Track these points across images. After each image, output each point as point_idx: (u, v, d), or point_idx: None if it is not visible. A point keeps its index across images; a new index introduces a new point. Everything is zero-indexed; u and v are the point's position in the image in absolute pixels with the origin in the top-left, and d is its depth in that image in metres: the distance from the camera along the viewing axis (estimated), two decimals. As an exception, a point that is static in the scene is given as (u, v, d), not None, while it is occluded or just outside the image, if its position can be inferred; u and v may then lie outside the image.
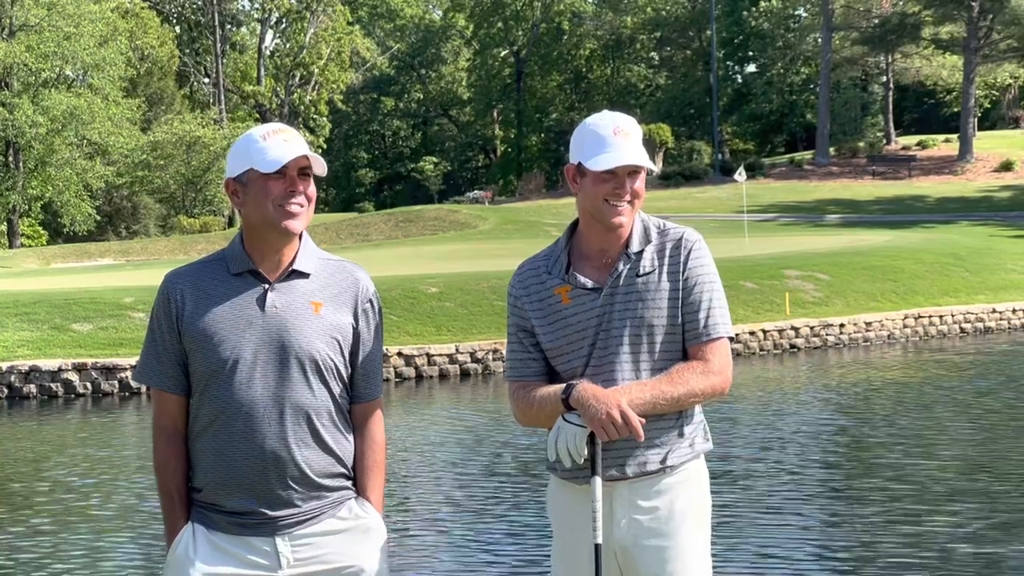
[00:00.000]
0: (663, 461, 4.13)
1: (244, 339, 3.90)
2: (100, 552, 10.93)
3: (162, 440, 4.02)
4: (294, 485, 3.92)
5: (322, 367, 3.95)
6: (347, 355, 4.02)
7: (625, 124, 4.19)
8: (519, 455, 15.13)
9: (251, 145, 3.93)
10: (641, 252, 4.19)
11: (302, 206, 3.93)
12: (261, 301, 3.94)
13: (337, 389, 4.01)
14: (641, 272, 4.16)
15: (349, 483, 4.06)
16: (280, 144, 3.91)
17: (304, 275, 3.99)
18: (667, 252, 4.19)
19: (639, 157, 4.11)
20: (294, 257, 3.99)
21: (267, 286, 3.95)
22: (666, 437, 4.14)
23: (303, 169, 3.93)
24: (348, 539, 4.01)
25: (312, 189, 3.97)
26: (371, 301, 4.09)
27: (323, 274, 4.03)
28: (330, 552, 3.97)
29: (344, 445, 4.04)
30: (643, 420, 3.97)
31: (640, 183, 4.17)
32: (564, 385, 4.09)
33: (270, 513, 3.91)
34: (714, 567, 4.31)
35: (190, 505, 4.00)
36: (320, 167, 3.96)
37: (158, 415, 4.04)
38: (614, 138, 4.14)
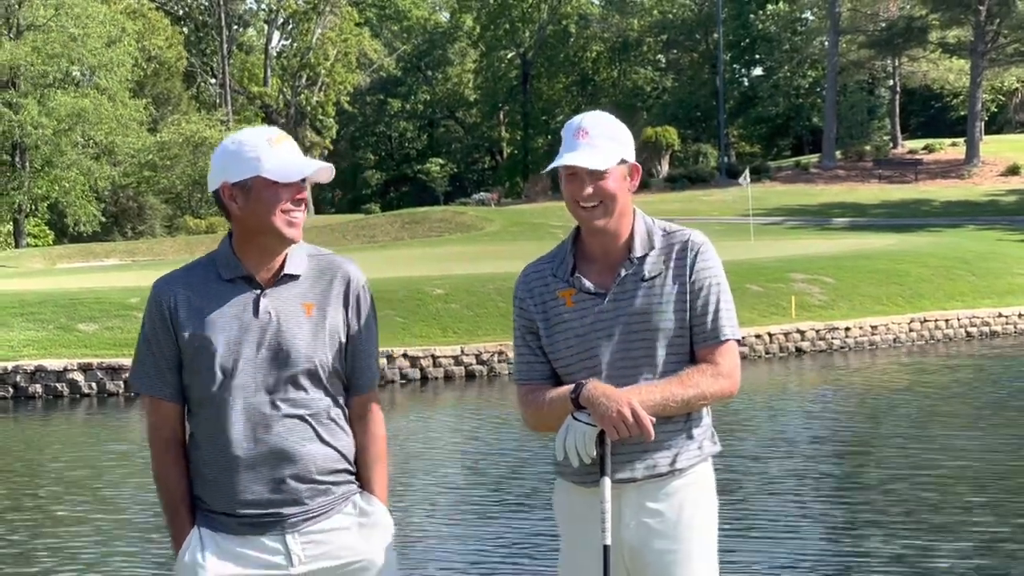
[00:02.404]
0: (672, 463, 4.12)
1: (242, 346, 3.89)
2: (107, 555, 10.92)
3: (162, 449, 4.01)
4: (301, 485, 3.92)
5: (319, 368, 3.95)
6: (342, 352, 4.02)
7: (590, 123, 4.14)
8: (524, 457, 15.12)
9: (256, 150, 3.87)
10: (645, 256, 4.16)
11: (303, 213, 3.94)
12: (255, 307, 3.92)
13: (335, 387, 4.02)
14: (646, 276, 4.14)
15: (353, 478, 4.06)
16: (291, 152, 3.90)
17: (295, 277, 3.98)
18: (673, 255, 4.16)
19: (585, 158, 4.06)
20: (284, 260, 3.98)
21: (260, 291, 3.94)
22: (675, 439, 4.13)
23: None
24: (356, 533, 4.02)
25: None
26: (361, 292, 4.07)
27: (312, 273, 4.02)
28: (339, 547, 3.98)
29: (346, 441, 4.04)
30: (652, 420, 3.95)
31: (609, 183, 4.09)
32: (574, 384, 4.06)
33: (281, 512, 3.92)
34: (720, 571, 4.29)
35: (194, 509, 3.99)
36: (330, 175, 3.96)
37: (156, 424, 4.01)
38: (573, 140, 4.11)
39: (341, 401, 4.05)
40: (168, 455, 3.99)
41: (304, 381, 3.92)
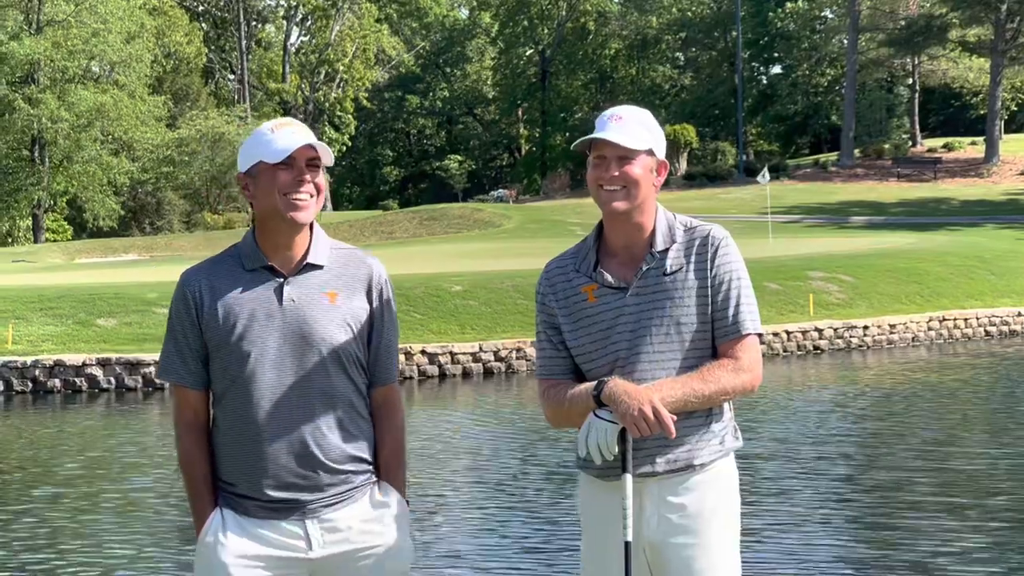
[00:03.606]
0: (693, 458, 4.12)
1: (266, 334, 3.97)
2: (126, 547, 10.95)
3: (186, 435, 4.10)
4: (321, 472, 4.00)
5: (342, 356, 4.02)
6: (364, 342, 4.09)
7: (625, 111, 4.20)
8: (543, 454, 15.11)
9: (259, 138, 4.02)
10: (666, 251, 4.17)
11: (311, 195, 3.99)
12: (279, 295, 4.00)
13: (357, 376, 4.08)
14: (668, 271, 4.14)
15: (371, 467, 4.14)
16: (287, 135, 3.98)
17: (318, 267, 4.06)
18: (694, 250, 4.17)
19: (617, 136, 4.09)
20: (307, 250, 4.06)
21: (283, 280, 4.01)
22: (696, 435, 4.13)
23: (311, 160, 3.99)
24: (373, 521, 4.09)
25: (321, 179, 4.03)
26: (384, 286, 4.16)
27: (336, 264, 4.09)
28: (357, 533, 4.05)
29: (366, 430, 4.12)
30: (674, 417, 3.96)
31: (634, 168, 4.12)
32: (596, 382, 4.07)
33: (300, 498, 4.00)
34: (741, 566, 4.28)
35: (216, 492, 4.09)
36: (327, 157, 4.02)
37: (181, 410, 4.12)
38: (605, 123, 4.15)
39: (363, 391, 4.12)
40: (191, 438, 4.09)
41: (327, 368, 4.00)
